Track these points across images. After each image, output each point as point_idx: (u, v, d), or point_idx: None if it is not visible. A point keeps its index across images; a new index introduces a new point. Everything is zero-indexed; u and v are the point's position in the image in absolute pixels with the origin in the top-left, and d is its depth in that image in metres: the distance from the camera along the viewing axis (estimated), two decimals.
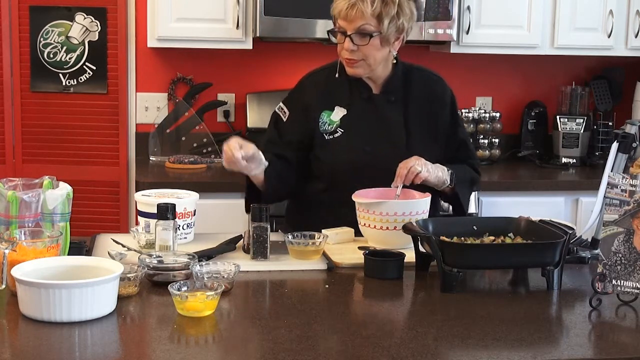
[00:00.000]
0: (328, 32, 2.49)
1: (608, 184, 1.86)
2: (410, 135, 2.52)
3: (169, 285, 1.76)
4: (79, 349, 1.58)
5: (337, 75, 2.52)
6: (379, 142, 2.50)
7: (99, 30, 3.94)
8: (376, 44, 2.41)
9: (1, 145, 3.98)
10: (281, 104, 2.59)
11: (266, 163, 2.37)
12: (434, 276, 2.00)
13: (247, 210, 2.51)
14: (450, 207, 3.06)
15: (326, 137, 2.51)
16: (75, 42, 3.95)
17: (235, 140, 2.29)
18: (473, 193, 3.58)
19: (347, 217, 2.36)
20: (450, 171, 2.43)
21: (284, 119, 2.56)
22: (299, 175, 2.55)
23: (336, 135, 2.51)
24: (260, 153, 2.33)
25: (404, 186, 2.36)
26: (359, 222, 2.31)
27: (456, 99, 2.64)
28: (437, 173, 2.39)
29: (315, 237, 2.20)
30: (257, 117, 3.99)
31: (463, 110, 4.11)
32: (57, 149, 3.99)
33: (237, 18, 3.65)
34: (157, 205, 2.12)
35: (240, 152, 2.26)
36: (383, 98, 2.53)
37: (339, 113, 2.51)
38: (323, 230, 2.29)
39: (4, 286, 1.79)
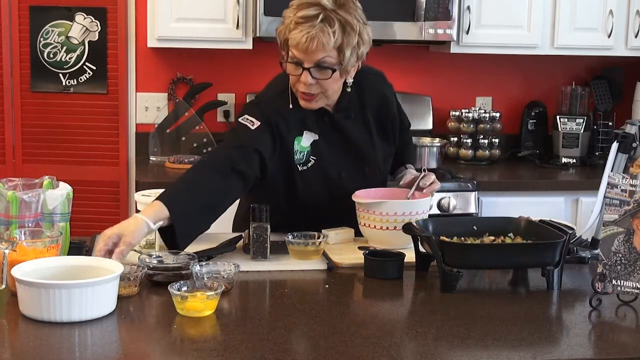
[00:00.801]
0: (280, 62, 2.28)
1: (608, 184, 1.86)
2: (376, 150, 2.45)
3: (169, 285, 1.76)
4: (79, 349, 1.58)
5: (290, 107, 2.32)
6: (351, 164, 2.42)
7: (99, 30, 3.94)
8: (336, 76, 2.24)
9: (1, 145, 3.98)
10: (246, 116, 2.32)
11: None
12: (434, 276, 2.00)
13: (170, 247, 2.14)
14: (451, 207, 3.07)
15: (300, 167, 2.35)
16: (75, 42, 3.95)
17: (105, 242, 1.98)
18: (473, 193, 3.60)
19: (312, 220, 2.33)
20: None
21: (253, 128, 2.29)
22: (244, 196, 2.40)
23: (310, 164, 2.36)
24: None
25: (400, 186, 2.37)
26: (359, 222, 2.31)
27: (395, 94, 2.56)
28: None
29: (315, 237, 2.20)
30: None
31: (463, 110, 4.11)
32: (57, 149, 3.99)
33: (237, 18, 3.65)
34: None
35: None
36: (342, 116, 2.38)
37: (309, 137, 2.36)
38: (323, 230, 2.29)
39: (4, 286, 1.79)
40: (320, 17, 2.17)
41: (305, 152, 2.36)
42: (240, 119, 2.33)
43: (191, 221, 2.12)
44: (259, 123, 2.29)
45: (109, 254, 1.94)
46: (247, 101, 4.00)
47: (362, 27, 2.24)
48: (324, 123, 2.38)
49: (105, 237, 1.99)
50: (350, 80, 2.34)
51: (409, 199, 2.32)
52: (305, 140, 2.36)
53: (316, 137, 2.36)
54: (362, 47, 2.25)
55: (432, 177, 2.41)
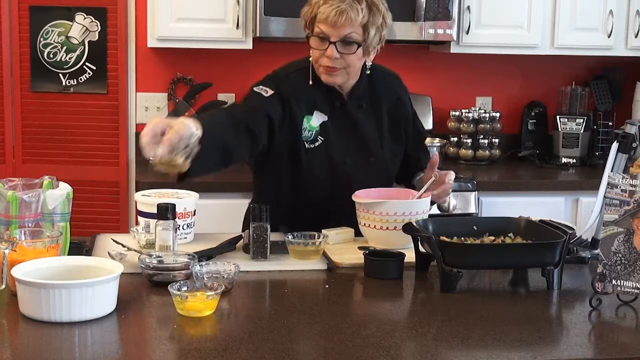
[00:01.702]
0: (307, 36, 2.37)
1: (608, 184, 1.86)
2: (383, 143, 2.50)
3: (169, 285, 1.76)
4: (79, 349, 1.58)
5: (310, 83, 2.40)
6: (357, 153, 2.46)
7: (99, 30, 3.94)
8: (359, 53, 2.33)
9: (1, 145, 3.98)
10: (260, 86, 2.39)
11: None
12: (434, 276, 2.00)
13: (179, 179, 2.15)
14: (451, 207, 3.07)
15: (307, 145, 2.41)
16: (75, 42, 3.95)
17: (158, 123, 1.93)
18: (473, 193, 3.60)
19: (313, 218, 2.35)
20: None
21: (266, 95, 2.37)
22: (250, 158, 2.42)
23: (317, 144, 2.41)
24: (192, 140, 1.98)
25: (401, 187, 2.38)
26: (359, 222, 2.31)
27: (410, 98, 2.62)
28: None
29: (315, 237, 2.20)
30: None
31: (463, 110, 4.11)
32: (57, 149, 3.99)
33: (237, 18, 3.65)
34: (157, 205, 2.12)
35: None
36: (354, 105, 2.45)
37: (318, 118, 2.42)
38: (323, 230, 2.29)
39: (4, 286, 1.79)
40: None
41: (314, 132, 2.41)
42: (254, 88, 2.40)
43: (211, 151, 2.11)
44: (272, 92, 2.37)
45: (154, 138, 1.89)
46: None
47: (386, 11, 2.35)
48: (335, 108, 2.43)
49: (153, 122, 1.93)
50: (369, 64, 2.41)
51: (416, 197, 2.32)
52: (315, 120, 2.41)
53: (325, 118, 2.42)
54: (384, 30, 2.36)
55: (452, 175, 2.40)
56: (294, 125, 2.39)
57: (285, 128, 2.38)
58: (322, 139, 2.42)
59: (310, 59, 2.41)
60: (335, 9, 2.27)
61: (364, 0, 2.29)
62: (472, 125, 4.09)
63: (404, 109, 2.55)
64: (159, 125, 1.92)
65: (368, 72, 2.43)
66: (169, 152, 1.90)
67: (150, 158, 1.93)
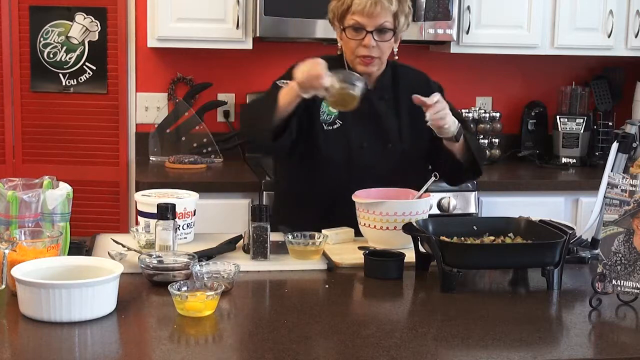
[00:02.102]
0: (344, 28, 2.45)
1: (608, 184, 1.85)
2: (402, 133, 2.54)
3: (169, 285, 1.76)
4: (79, 349, 1.58)
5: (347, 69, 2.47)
6: (374, 139, 2.52)
7: (99, 30, 3.94)
8: (392, 41, 2.47)
9: (1, 145, 3.98)
10: (281, 80, 2.50)
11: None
12: (434, 276, 2.00)
13: (275, 138, 2.40)
14: (451, 207, 3.04)
15: (325, 127, 2.51)
16: (75, 42, 3.95)
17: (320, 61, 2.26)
18: (473, 193, 3.60)
19: (340, 216, 2.36)
20: (458, 124, 2.41)
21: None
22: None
23: (335, 126, 2.51)
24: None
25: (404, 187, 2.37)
26: (359, 222, 2.31)
27: (444, 91, 2.61)
28: (452, 128, 2.37)
29: (315, 237, 2.20)
30: None
31: (463, 110, 4.11)
32: (57, 149, 3.99)
33: (237, 18, 3.65)
34: (157, 205, 2.12)
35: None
36: (376, 95, 2.54)
37: None
38: (323, 230, 2.29)
39: (4, 286, 1.79)
40: None
41: (333, 116, 2.51)
42: (276, 81, 2.51)
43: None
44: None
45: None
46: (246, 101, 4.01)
47: None
48: None
49: (316, 63, 2.25)
50: (396, 50, 2.55)
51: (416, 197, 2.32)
52: None
53: None
54: (409, 17, 2.50)
55: (442, 110, 2.36)
56: (313, 108, 2.48)
57: (305, 111, 2.45)
58: (340, 122, 2.51)
59: (339, 51, 2.53)
60: (370, 0, 2.39)
61: None
62: (472, 126, 4.09)
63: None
64: (320, 64, 2.24)
65: (396, 57, 2.55)
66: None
67: (325, 88, 2.26)
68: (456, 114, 2.56)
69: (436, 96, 2.34)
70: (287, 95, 2.35)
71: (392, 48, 2.51)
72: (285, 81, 2.45)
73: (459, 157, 2.48)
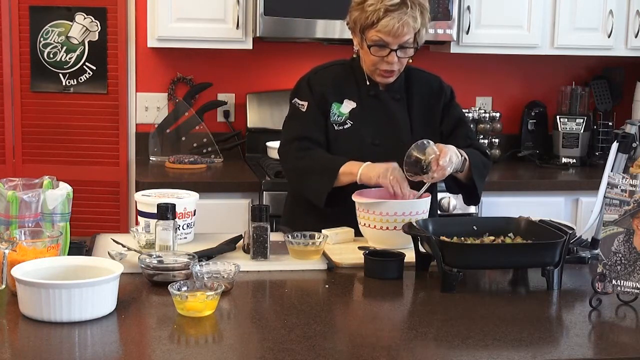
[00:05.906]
0: (369, 45, 2.43)
1: (608, 184, 1.86)
2: (413, 132, 2.55)
3: (169, 285, 1.76)
4: (79, 349, 1.58)
5: (366, 81, 2.53)
6: (386, 137, 2.54)
7: (99, 30, 3.94)
8: (411, 54, 2.49)
9: (1, 145, 3.98)
10: (295, 99, 2.57)
11: None
12: (434, 276, 2.00)
13: (328, 205, 2.46)
14: (451, 207, 3.05)
15: (336, 127, 2.53)
16: (75, 42, 3.95)
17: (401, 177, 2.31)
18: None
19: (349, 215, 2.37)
20: (463, 157, 2.39)
21: (304, 110, 2.54)
22: None
23: (346, 126, 2.53)
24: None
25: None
26: (359, 222, 2.32)
27: (455, 95, 2.66)
28: (454, 164, 2.35)
29: (315, 237, 2.20)
30: (257, 117, 3.99)
31: (463, 111, 4.11)
32: (57, 149, 3.99)
33: (237, 18, 3.65)
34: (157, 205, 2.12)
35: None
36: (388, 96, 2.56)
37: (347, 106, 2.53)
38: (323, 230, 2.29)
39: (4, 286, 1.79)
40: (408, 4, 2.41)
41: (344, 117, 2.54)
42: (292, 101, 2.58)
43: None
44: (306, 103, 2.54)
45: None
46: (246, 102, 4.01)
47: (428, 6, 2.52)
48: (370, 97, 2.54)
49: (394, 175, 2.30)
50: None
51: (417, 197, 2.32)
52: (345, 108, 2.54)
53: (354, 105, 2.53)
54: (428, 25, 2.52)
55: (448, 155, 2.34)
56: (324, 109, 2.53)
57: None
58: (351, 122, 2.53)
59: (355, 55, 2.55)
60: (398, 22, 2.39)
61: (417, 6, 2.43)
62: (472, 126, 4.09)
63: (438, 102, 2.61)
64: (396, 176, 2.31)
65: (410, 61, 2.54)
66: None
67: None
68: (463, 123, 2.65)
69: (447, 156, 2.30)
70: (347, 178, 2.40)
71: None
72: (299, 102, 2.54)
73: (465, 181, 2.50)
